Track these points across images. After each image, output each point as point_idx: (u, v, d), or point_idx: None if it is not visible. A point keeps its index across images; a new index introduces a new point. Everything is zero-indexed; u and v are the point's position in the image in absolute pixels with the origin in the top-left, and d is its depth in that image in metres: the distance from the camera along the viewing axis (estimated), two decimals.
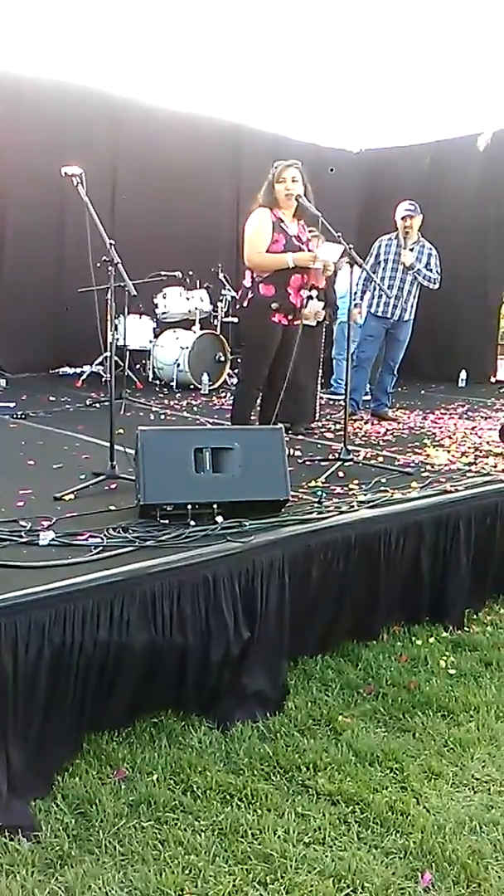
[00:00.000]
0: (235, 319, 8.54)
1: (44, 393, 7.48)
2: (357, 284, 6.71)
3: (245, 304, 4.62)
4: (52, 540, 3.16)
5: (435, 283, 6.92)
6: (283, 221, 4.67)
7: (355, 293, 6.61)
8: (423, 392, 9.15)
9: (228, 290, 9.17)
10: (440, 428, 6.57)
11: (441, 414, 7.40)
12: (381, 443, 5.87)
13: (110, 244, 4.04)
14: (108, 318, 4.24)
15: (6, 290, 8.77)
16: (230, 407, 5.51)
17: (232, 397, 5.13)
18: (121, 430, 4.34)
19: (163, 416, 6.71)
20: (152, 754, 2.82)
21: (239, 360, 5.39)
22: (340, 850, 2.42)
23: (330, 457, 4.97)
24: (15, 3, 9.02)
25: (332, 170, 9.81)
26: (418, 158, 10.87)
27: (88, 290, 4.96)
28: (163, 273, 8.18)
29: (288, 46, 11.07)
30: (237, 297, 4.73)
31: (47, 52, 9.19)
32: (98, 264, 4.09)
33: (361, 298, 6.97)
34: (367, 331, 7.16)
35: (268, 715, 3.11)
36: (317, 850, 2.41)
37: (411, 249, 6.81)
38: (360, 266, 5.08)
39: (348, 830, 2.52)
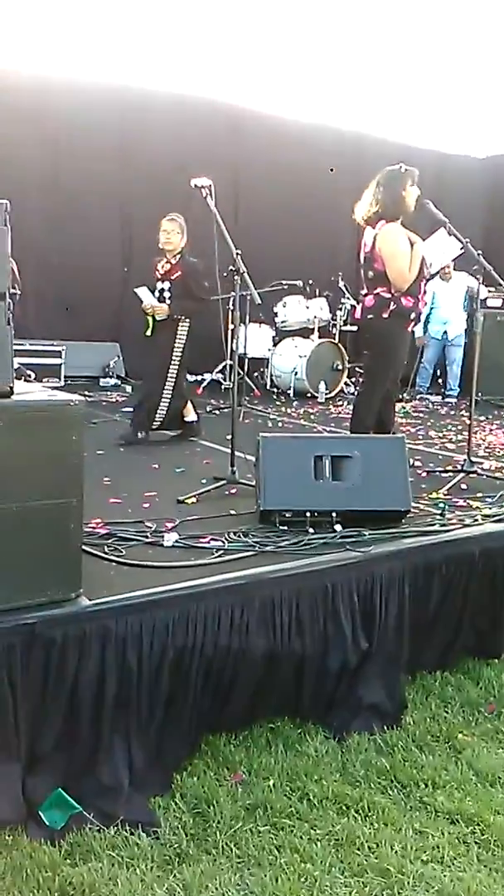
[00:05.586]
0: (355, 328, 8.48)
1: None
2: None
3: (386, 315, 4.50)
4: (176, 541, 3.24)
5: None
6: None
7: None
8: None
9: (348, 298, 9.14)
10: None
11: None
12: None
13: (237, 254, 4.09)
14: (233, 326, 4.29)
15: (132, 300, 9.02)
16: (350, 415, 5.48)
17: (353, 405, 5.08)
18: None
19: (280, 424, 6.74)
20: (269, 759, 2.83)
21: (363, 370, 5.29)
22: (459, 871, 2.35)
23: (451, 468, 4.86)
24: (141, 20, 9.29)
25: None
26: None
27: (214, 300, 5.06)
28: (284, 282, 8.24)
29: (413, 52, 10.92)
30: (369, 307, 4.57)
31: (172, 65, 9.35)
32: (224, 273, 4.16)
33: None
34: None
35: (385, 728, 3.07)
36: (435, 869, 2.36)
37: None
38: (486, 268, 4.95)
39: (468, 851, 2.45)
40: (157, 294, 5.70)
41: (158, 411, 5.72)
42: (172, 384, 5.74)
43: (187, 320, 5.72)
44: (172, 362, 5.73)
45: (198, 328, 8.10)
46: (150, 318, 5.66)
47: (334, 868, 2.34)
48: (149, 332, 5.72)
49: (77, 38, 8.98)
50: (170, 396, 5.74)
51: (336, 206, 9.97)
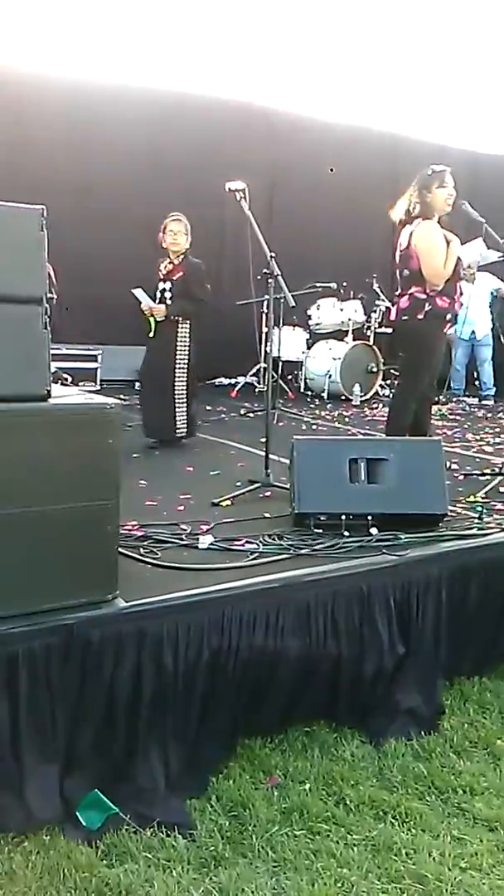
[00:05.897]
0: (390, 330, 8.43)
1: (200, 402, 7.65)
2: None
3: (421, 316, 4.47)
4: (211, 544, 3.24)
5: None
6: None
7: None
8: None
9: (382, 300, 9.10)
10: None
11: None
12: None
13: (271, 257, 4.09)
14: (267, 329, 4.29)
15: None
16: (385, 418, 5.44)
17: (388, 408, 5.05)
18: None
19: (314, 427, 6.72)
20: (304, 763, 2.82)
21: (399, 372, 5.22)
22: (499, 879, 2.32)
23: (489, 470, 4.81)
24: (174, 23, 9.36)
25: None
26: None
27: (247, 303, 5.05)
28: (318, 284, 8.22)
29: (448, 53, 10.86)
30: (403, 308, 4.53)
31: (205, 67, 9.41)
32: (258, 277, 4.16)
33: None
34: None
35: (422, 733, 3.04)
36: (473, 877, 2.33)
37: None
38: None
39: None
40: (157, 294, 5.58)
41: (178, 420, 5.59)
42: (184, 389, 5.59)
43: (187, 322, 5.58)
44: (178, 365, 5.56)
45: (232, 332, 8.18)
46: (151, 320, 5.55)
47: (371, 874, 2.32)
48: (151, 334, 5.61)
49: (109, 42, 9.07)
50: (185, 402, 5.60)
51: (370, 208, 9.94)
